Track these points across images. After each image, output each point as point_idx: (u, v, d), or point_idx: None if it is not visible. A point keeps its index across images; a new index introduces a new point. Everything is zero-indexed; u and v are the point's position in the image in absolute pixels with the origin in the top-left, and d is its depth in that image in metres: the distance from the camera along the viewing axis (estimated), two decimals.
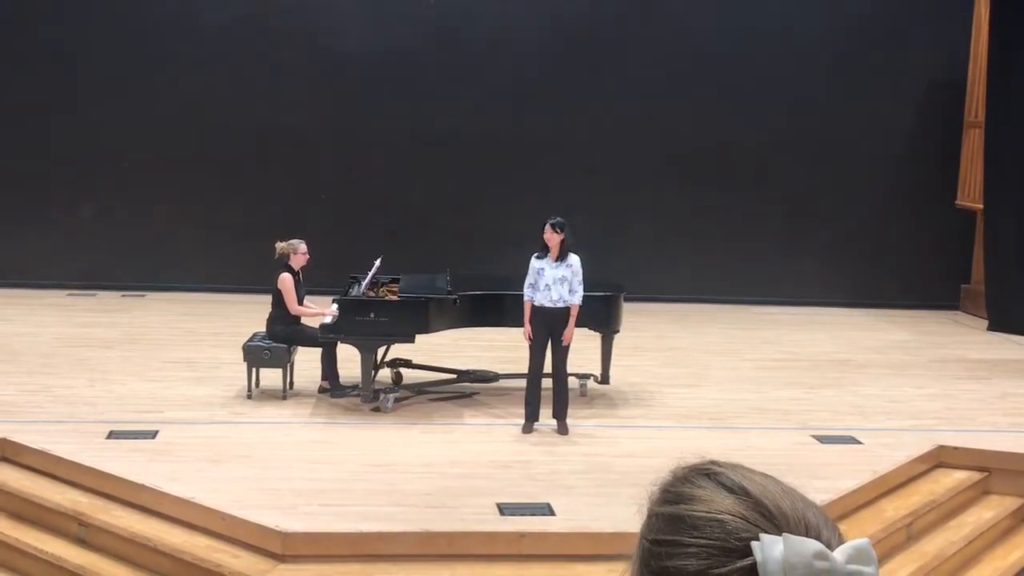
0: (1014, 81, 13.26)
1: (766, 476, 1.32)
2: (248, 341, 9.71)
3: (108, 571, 6.99)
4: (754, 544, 1.21)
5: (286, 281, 9.67)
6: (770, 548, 1.20)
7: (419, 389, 10.02)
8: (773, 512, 1.25)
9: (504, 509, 7.29)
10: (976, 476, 8.61)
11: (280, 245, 9.83)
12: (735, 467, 1.32)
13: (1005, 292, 13.57)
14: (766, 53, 14.50)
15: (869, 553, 1.24)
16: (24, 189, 14.05)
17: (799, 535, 1.23)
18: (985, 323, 13.86)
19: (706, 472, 1.32)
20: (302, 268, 9.86)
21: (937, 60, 14.77)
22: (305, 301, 9.89)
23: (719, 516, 1.25)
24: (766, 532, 1.22)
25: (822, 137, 14.73)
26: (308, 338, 9.73)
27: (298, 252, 9.79)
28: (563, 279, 8.81)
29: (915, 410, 10.05)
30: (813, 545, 1.20)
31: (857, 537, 1.26)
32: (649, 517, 1.32)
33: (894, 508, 7.99)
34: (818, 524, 1.26)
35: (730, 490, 1.28)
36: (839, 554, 1.22)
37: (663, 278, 14.37)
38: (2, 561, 7.26)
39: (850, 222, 14.81)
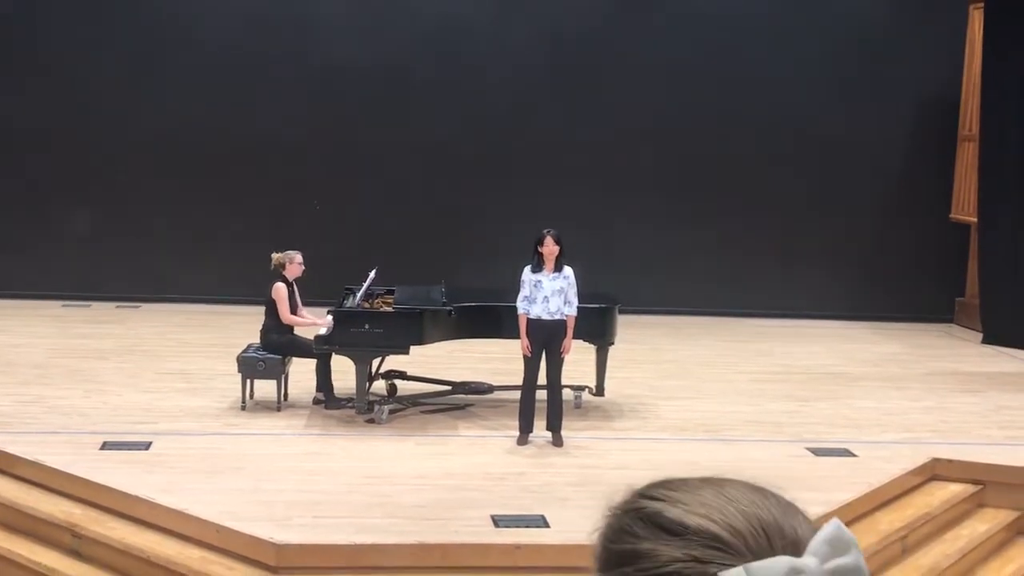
0: (1008, 94, 13.29)
1: (703, 485, 1.18)
2: (243, 352, 9.69)
3: None
4: None
5: (280, 290, 9.66)
6: None
7: (414, 401, 10.01)
8: (724, 539, 1.11)
9: (499, 521, 7.28)
10: (971, 489, 8.60)
11: (276, 256, 9.81)
12: (667, 494, 1.17)
13: (999, 305, 13.57)
14: (761, 68, 14.52)
15: (843, 538, 1.10)
16: (19, 200, 14.05)
17: (760, 548, 1.11)
18: (979, 336, 13.86)
19: (639, 514, 1.17)
20: (297, 279, 9.86)
21: (931, 73, 14.80)
22: (300, 311, 9.89)
23: (669, 569, 1.11)
24: (723, 565, 1.09)
25: (817, 150, 14.74)
26: (303, 349, 9.71)
27: (294, 262, 9.78)
28: (560, 291, 8.82)
29: (910, 423, 10.06)
30: (782, 565, 1.08)
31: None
32: None
33: (889, 521, 7.98)
34: (776, 520, 1.13)
35: (671, 532, 1.13)
36: (812, 557, 1.09)
37: (658, 291, 14.37)
38: None
39: (845, 235, 14.82)
